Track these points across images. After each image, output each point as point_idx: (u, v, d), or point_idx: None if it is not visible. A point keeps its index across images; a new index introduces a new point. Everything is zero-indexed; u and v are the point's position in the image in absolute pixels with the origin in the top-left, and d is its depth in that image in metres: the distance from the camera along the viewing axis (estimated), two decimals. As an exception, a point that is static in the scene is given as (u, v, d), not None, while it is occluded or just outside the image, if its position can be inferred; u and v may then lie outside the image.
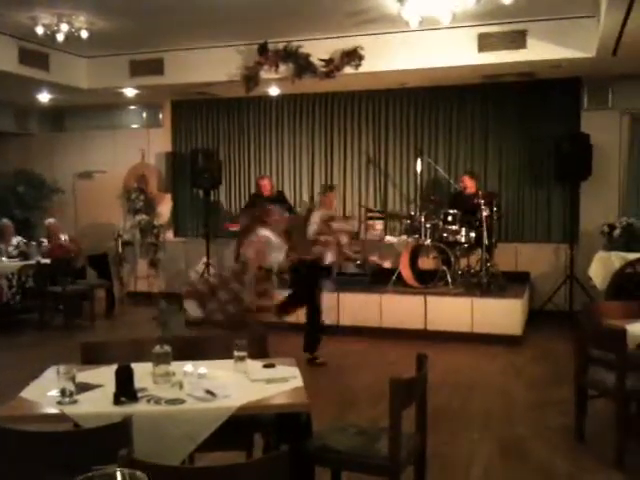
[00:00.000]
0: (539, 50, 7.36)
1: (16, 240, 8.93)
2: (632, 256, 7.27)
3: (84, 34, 7.30)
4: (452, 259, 7.93)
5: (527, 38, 7.36)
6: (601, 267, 7.46)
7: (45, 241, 9.19)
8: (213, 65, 8.49)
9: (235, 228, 8.91)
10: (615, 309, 4.85)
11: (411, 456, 3.10)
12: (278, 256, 6.22)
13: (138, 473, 1.51)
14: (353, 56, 7.88)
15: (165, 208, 10.67)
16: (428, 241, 8.01)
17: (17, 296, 8.52)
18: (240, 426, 2.99)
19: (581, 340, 4.44)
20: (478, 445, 4.48)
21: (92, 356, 3.51)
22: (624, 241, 7.57)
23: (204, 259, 9.74)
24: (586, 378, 4.40)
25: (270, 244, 6.09)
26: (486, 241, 7.81)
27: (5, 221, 8.98)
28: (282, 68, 8.19)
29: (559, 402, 5.24)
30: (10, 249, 8.80)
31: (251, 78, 8.31)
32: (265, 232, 6.14)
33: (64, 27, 7.16)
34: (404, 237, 8.66)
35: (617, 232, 7.69)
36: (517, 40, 7.39)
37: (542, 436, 4.63)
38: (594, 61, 7.31)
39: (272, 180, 9.39)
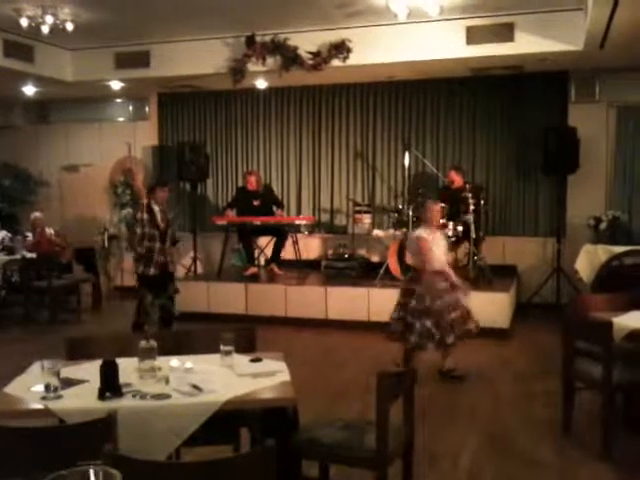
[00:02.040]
0: (527, 43, 7.37)
1: (0, 235, 8.84)
2: (618, 249, 7.30)
3: (69, 26, 7.23)
4: (440, 252, 7.93)
5: (515, 31, 7.37)
6: (588, 260, 7.49)
7: (30, 235, 9.11)
8: (200, 57, 8.44)
9: (222, 222, 8.89)
10: (601, 302, 4.87)
11: (399, 449, 3.10)
12: (440, 252, 5.80)
13: (112, 470, 1.50)
14: (341, 49, 7.85)
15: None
16: (416, 234, 7.99)
17: (2, 290, 8.45)
18: (227, 420, 2.97)
19: (568, 333, 4.45)
20: (465, 437, 4.49)
21: (77, 351, 3.48)
22: (610, 234, 7.61)
23: (191, 253, 9.70)
24: (573, 370, 4.42)
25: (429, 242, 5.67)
26: (473, 234, 7.82)
27: None
28: (269, 61, 8.15)
29: (546, 394, 5.27)
30: (-6, 243, 8.72)
31: (238, 71, 8.27)
32: (418, 231, 5.77)
33: (49, 19, 7.09)
34: (392, 231, 8.66)
35: (603, 225, 7.73)
36: (505, 33, 7.39)
37: (529, 428, 4.65)
38: (581, 54, 7.33)
39: (259, 175, 9.34)
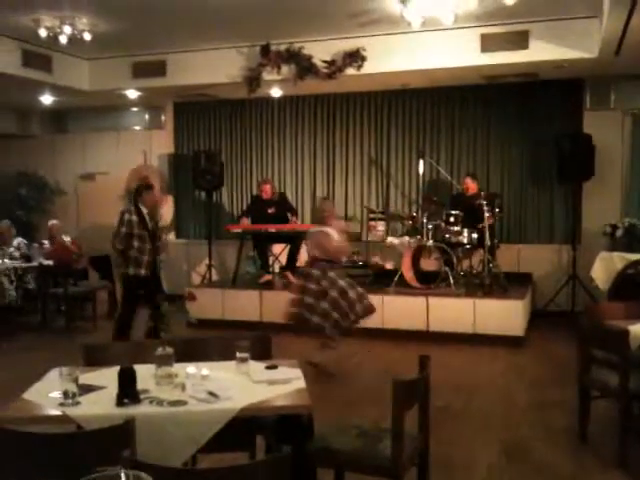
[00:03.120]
0: (541, 50, 7.36)
1: (16, 242, 8.91)
2: (635, 257, 7.25)
3: (87, 36, 7.32)
4: (454, 260, 7.93)
5: (529, 39, 7.37)
6: (603, 268, 7.44)
7: (47, 242, 9.19)
8: (215, 67, 8.50)
9: (237, 230, 8.92)
10: (617, 310, 4.83)
11: (414, 457, 3.10)
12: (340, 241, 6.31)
13: (143, 475, 1.50)
14: (355, 57, 7.89)
15: (167, 210, 10.68)
16: (430, 242, 8.00)
17: (19, 298, 8.52)
18: (242, 427, 2.98)
19: (584, 341, 4.43)
20: (481, 446, 4.47)
21: (94, 358, 3.51)
22: (627, 242, 7.56)
23: (206, 261, 9.75)
24: (589, 379, 4.40)
25: (330, 235, 6.18)
26: (488, 242, 7.81)
27: (4, 223, 8.94)
28: (284, 69, 8.20)
29: (562, 403, 5.23)
30: (11, 250, 8.79)
31: (253, 79, 8.32)
32: (326, 228, 6.24)
33: (67, 29, 7.17)
34: (406, 238, 8.65)
35: (620, 232, 7.68)
36: (519, 41, 7.39)
37: (545, 437, 4.62)
38: (596, 61, 7.31)
39: (274, 184, 9.38)
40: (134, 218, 6.80)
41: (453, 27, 7.22)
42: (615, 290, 7.16)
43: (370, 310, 6.27)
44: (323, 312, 5.96)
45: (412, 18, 6.58)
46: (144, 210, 6.90)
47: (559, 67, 7.76)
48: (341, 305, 6.00)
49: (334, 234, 6.19)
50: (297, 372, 3.22)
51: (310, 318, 5.99)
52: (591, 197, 8.61)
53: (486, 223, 7.71)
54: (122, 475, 1.49)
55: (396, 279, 8.13)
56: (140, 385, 2.87)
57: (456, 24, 6.94)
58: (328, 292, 5.99)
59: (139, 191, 7.04)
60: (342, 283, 6.08)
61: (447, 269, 7.88)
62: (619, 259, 7.32)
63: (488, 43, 7.55)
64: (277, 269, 9.14)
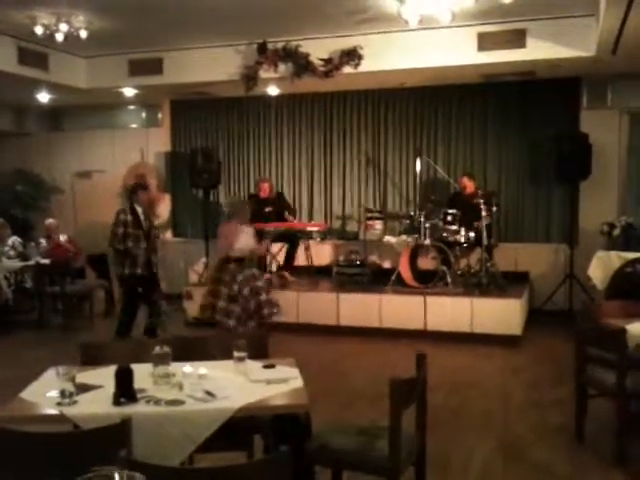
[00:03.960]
0: (538, 49, 7.36)
1: (11, 240, 8.88)
2: (632, 255, 7.25)
3: (83, 34, 7.29)
4: (452, 259, 7.93)
5: (526, 37, 7.36)
6: (601, 267, 7.45)
7: (43, 241, 9.17)
8: (212, 65, 8.48)
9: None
10: (615, 308, 4.85)
11: (411, 456, 3.10)
12: (248, 240, 6.50)
13: (137, 475, 1.50)
14: (352, 55, 7.88)
15: (164, 208, 10.66)
16: (428, 241, 8.00)
17: (15, 297, 8.50)
18: (240, 427, 2.98)
19: (581, 340, 4.43)
20: (478, 445, 4.48)
21: (91, 357, 3.51)
22: (624, 240, 7.56)
23: (203, 259, 9.73)
24: (586, 377, 4.41)
25: (238, 229, 6.41)
26: (485, 241, 7.81)
27: None
28: (281, 68, 8.19)
29: (559, 402, 5.24)
30: (6, 249, 8.75)
31: (250, 78, 8.31)
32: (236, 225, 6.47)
33: (63, 27, 7.14)
34: (404, 237, 8.66)
35: (617, 231, 7.68)
36: (516, 39, 7.39)
37: (542, 436, 4.63)
38: (593, 60, 7.31)
39: (272, 183, 9.37)
40: (129, 218, 6.87)
41: (450, 26, 7.21)
42: (612, 289, 7.17)
43: (272, 315, 6.44)
44: (237, 316, 6.21)
45: (409, 16, 6.57)
46: (139, 209, 6.94)
47: (556, 66, 7.75)
48: (249, 308, 6.27)
49: (244, 231, 6.42)
50: (294, 371, 3.22)
51: (223, 321, 6.22)
52: (588, 196, 8.62)
53: (483, 221, 7.72)
54: (116, 475, 1.49)
55: (393, 278, 8.13)
56: (137, 384, 2.87)
57: (453, 23, 6.94)
58: (239, 295, 6.24)
59: (134, 190, 7.10)
60: (254, 285, 6.32)
61: (445, 268, 7.88)
62: (616, 258, 7.32)
63: (485, 42, 7.54)
64: (274, 268, 9.13)
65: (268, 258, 9.04)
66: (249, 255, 6.52)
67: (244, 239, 6.43)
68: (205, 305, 6.42)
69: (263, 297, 6.35)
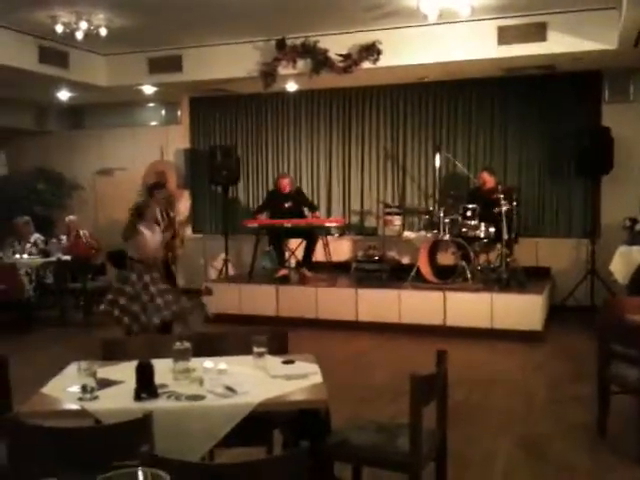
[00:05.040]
0: (559, 43, 7.28)
1: (34, 238, 8.97)
2: (655, 250, 7.17)
3: (103, 32, 7.34)
4: (471, 254, 7.88)
5: (547, 30, 7.29)
6: (623, 262, 7.36)
7: (64, 238, 9.25)
8: (231, 61, 8.50)
9: (253, 224, 8.93)
10: (637, 304, 4.77)
11: (432, 452, 3.09)
12: (154, 241, 6.63)
13: (161, 473, 1.49)
14: (371, 51, 7.85)
15: (184, 205, 10.71)
16: (447, 236, 7.96)
17: (36, 292, 8.58)
18: (260, 422, 2.98)
19: (603, 336, 4.38)
20: (499, 441, 4.45)
21: (113, 352, 3.53)
22: (646, 235, 7.47)
23: (223, 256, 9.77)
24: (608, 374, 4.35)
25: (143, 234, 6.51)
26: (506, 236, 7.75)
27: (22, 219, 9.00)
28: (300, 64, 8.18)
29: (580, 398, 5.19)
30: (28, 246, 8.85)
31: (269, 74, 8.31)
32: (141, 227, 6.54)
33: (83, 25, 7.20)
34: (423, 232, 8.62)
35: (639, 226, 7.59)
36: (537, 33, 7.31)
37: (563, 433, 4.59)
38: (615, 53, 7.22)
39: (292, 178, 9.37)
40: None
41: (470, 19, 7.16)
42: (634, 284, 7.08)
43: (180, 313, 6.66)
44: (133, 314, 6.29)
45: (428, 11, 6.53)
46: (156, 208, 7.02)
47: (577, 59, 7.67)
48: (148, 308, 6.35)
49: (148, 233, 6.49)
50: (314, 367, 3.22)
51: (120, 317, 6.33)
52: (610, 191, 8.52)
53: (503, 209, 7.64)
54: (140, 473, 1.48)
55: (413, 274, 8.10)
56: (158, 380, 2.88)
57: (473, 16, 6.89)
58: (140, 295, 6.34)
59: (151, 190, 7.23)
60: (153, 289, 6.38)
61: (464, 264, 7.83)
62: (639, 253, 7.24)
63: (505, 35, 7.48)
64: (293, 264, 9.14)
65: (287, 254, 9.07)
66: (155, 256, 6.67)
67: (151, 240, 6.58)
68: (111, 300, 6.54)
69: (159, 301, 6.41)
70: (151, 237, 6.51)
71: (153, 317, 6.31)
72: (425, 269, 8.06)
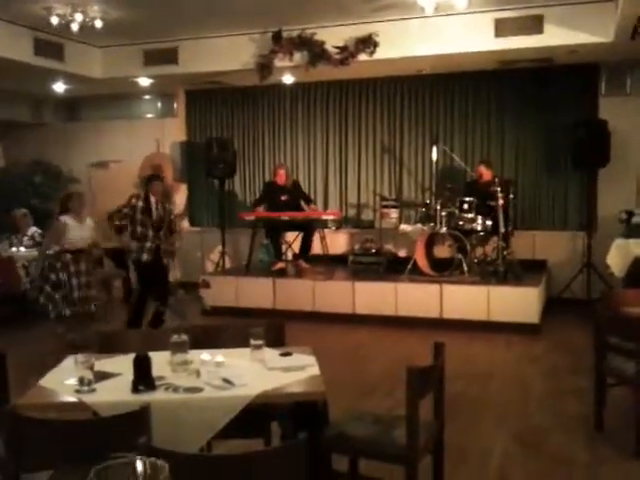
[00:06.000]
0: (556, 35, 7.28)
1: (31, 231, 8.93)
2: (651, 243, 7.18)
3: (98, 24, 7.30)
4: (468, 247, 7.89)
5: (544, 23, 7.28)
6: (619, 254, 7.37)
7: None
8: (227, 54, 8.47)
9: (250, 217, 8.92)
10: (634, 297, 4.80)
11: (428, 445, 3.09)
12: (82, 233, 6.94)
13: (159, 462, 1.50)
14: (368, 43, 7.82)
15: (180, 198, 10.70)
16: (444, 229, 7.96)
17: (45, 286, 8.54)
18: (257, 414, 2.99)
19: (599, 328, 4.39)
20: (495, 434, 4.46)
21: (109, 345, 3.53)
22: (643, 228, 7.48)
23: (220, 249, 9.76)
24: (605, 366, 4.37)
25: (67, 225, 6.81)
26: (502, 229, 7.75)
27: (19, 211, 8.97)
28: (296, 56, 8.15)
29: (577, 391, 5.21)
30: (24, 239, 8.82)
31: (265, 66, 8.28)
32: (64, 217, 6.84)
33: (78, 17, 7.16)
34: (419, 225, 8.62)
35: (636, 219, 7.60)
36: (534, 25, 7.30)
37: (560, 425, 4.60)
38: (612, 46, 7.22)
39: (288, 170, 9.36)
40: (140, 204, 7.05)
41: (467, 12, 7.15)
42: (631, 277, 7.10)
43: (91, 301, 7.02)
44: (48, 296, 6.79)
45: (425, 3, 6.52)
46: (153, 199, 7.04)
47: (574, 52, 7.66)
48: (73, 296, 6.82)
49: (71, 223, 6.79)
50: (311, 359, 3.22)
51: (45, 304, 6.83)
52: (607, 183, 8.53)
53: (499, 202, 7.65)
54: (138, 462, 1.49)
55: (409, 267, 8.10)
56: (155, 372, 2.88)
57: (470, 9, 6.89)
58: (65, 283, 6.77)
59: (148, 181, 7.32)
60: (75, 281, 6.81)
61: (461, 256, 7.84)
62: (635, 246, 7.24)
63: (502, 28, 7.46)
64: (290, 257, 9.14)
65: (284, 247, 9.08)
66: (86, 248, 6.95)
67: (77, 232, 6.83)
68: (37, 287, 6.92)
69: (81, 293, 6.83)
70: (75, 227, 6.79)
71: (67, 309, 6.75)
72: (422, 262, 8.06)
